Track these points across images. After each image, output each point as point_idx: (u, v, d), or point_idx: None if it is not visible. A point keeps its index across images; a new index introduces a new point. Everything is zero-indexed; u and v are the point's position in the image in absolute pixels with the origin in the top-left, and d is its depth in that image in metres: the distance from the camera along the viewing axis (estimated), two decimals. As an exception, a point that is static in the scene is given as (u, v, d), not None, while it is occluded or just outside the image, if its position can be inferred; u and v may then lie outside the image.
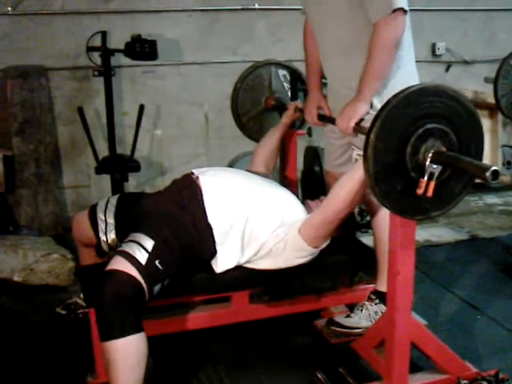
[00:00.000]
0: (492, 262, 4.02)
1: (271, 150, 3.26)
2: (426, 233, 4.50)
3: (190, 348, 2.96)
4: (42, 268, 3.56)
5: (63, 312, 3.16)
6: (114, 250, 2.55)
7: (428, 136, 2.01)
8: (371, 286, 3.00)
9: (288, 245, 2.62)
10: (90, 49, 4.23)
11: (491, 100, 5.07)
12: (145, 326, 2.27)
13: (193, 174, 2.79)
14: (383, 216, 2.76)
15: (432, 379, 2.53)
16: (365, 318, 2.90)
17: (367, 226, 3.89)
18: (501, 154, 5.78)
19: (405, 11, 2.52)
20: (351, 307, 3.06)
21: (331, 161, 3.08)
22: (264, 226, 2.64)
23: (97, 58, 4.21)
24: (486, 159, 5.67)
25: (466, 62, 5.71)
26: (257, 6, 4.93)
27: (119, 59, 4.42)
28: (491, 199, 5.44)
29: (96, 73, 4.16)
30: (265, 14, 4.95)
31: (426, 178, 2.00)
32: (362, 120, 2.66)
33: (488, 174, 1.83)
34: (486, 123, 5.68)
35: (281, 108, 3.44)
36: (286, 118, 3.31)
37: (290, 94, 3.56)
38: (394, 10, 2.49)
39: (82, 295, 3.12)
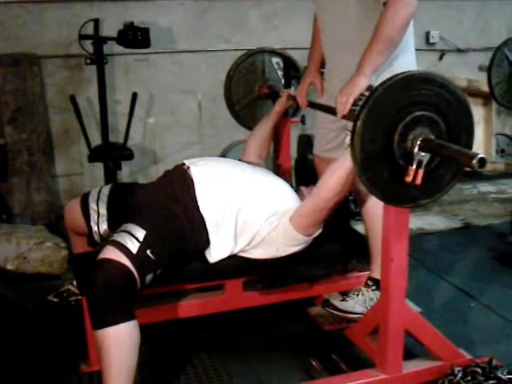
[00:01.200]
0: (486, 249, 4.03)
1: (264, 139, 3.25)
2: (420, 221, 4.51)
3: (183, 336, 2.96)
4: (35, 256, 3.55)
5: (55, 300, 3.15)
6: (106, 240, 2.54)
7: (416, 124, 2.01)
8: (364, 274, 3.00)
9: (280, 234, 2.62)
10: (82, 37, 4.21)
11: (485, 88, 5.09)
12: (138, 314, 2.27)
13: (184, 164, 2.78)
14: (373, 203, 2.76)
15: (426, 366, 2.53)
16: (360, 303, 2.90)
17: (360, 214, 3.89)
18: (495, 142, 5.79)
19: None
20: (345, 294, 3.06)
21: (322, 145, 3.06)
22: (256, 215, 2.63)
23: (89, 46, 4.18)
24: (480, 147, 5.69)
25: (459, 51, 5.70)
26: (250, -6, 4.92)
27: (112, 47, 4.39)
28: (485, 187, 5.45)
29: (88, 61, 4.15)
30: (258, 2, 4.93)
31: (414, 165, 2.00)
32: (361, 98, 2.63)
33: (475, 161, 1.82)
34: (479, 111, 5.69)
35: (274, 96, 3.43)
36: (279, 105, 3.30)
37: (283, 81, 3.55)
38: None
39: (74, 282, 3.12)
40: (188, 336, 2.97)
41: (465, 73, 5.58)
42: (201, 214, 2.58)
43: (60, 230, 3.91)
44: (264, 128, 3.27)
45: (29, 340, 2.95)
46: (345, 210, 3.14)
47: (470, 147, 2.12)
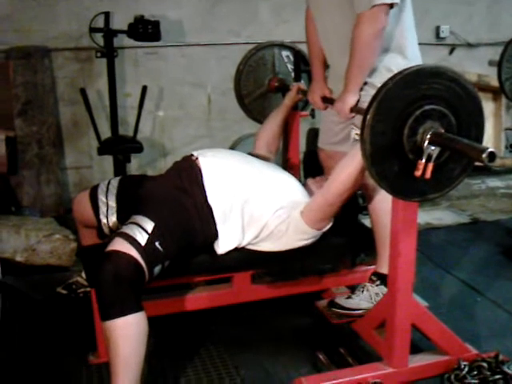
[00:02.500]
0: (493, 244, 4.04)
1: (274, 132, 3.26)
2: (428, 216, 4.51)
3: (191, 328, 2.98)
4: (44, 248, 3.58)
5: (64, 292, 3.17)
6: (115, 232, 2.56)
7: (426, 117, 2.00)
8: (372, 268, 3.00)
9: (290, 228, 2.63)
10: (92, 30, 4.20)
11: (495, 83, 5.05)
12: (146, 306, 2.28)
13: (192, 155, 2.80)
14: (380, 199, 2.77)
15: (432, 360, 2.53)
16: (366, 299, 2.91)
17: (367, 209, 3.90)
18: (504, 138, 5.77)
19: (389, 5, 2.53)
20: (352, 288, 3.08)
21: (328, 138, 3.08)
22: (264, 208, 2.65)
23: (99, 39, 4.18)
24: (490, 142, 5.67)
25: (469, 45, 5.67)
26: (260, -13, 4.92)
27: (122, 40, 4.40)
28: (494, 182, 5.44)
29: (99, 54, 4.15)
30: (268, -5, 4.94)
31: (423, 159, 2.00)
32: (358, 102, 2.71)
33: (485, 155, 1.82)
34: (489, 106, 5.67)
35: (284, 89, 3.44)
36: (289, 99, 3.31)
37: (293, 75, 3.55)
38: (374, 6, 2.50)
39: (83, 274, 3.14)
40: (196, 328, 2.99)
41: (475, 67, 5.56)
42: (209, 204, 2.60)
43: (69, 222, 3.93)
44: (274, 122, 3.28)
45: (38, 331, 2.97)
46: (353, 205, 3.13)
47: (480, 142, 2.12)
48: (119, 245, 2.31)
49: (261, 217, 2.64)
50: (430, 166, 2.00)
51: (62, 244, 3.61)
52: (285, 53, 3.61)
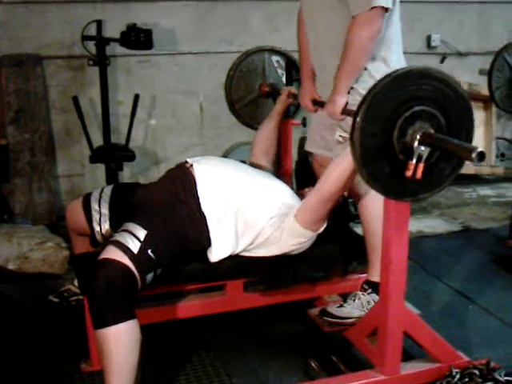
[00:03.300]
0: (485, 252, 4.05)
1: (270, 139, 3.27)
2: (420, 224, 4.52)
3: (184, 336, 2.98)
4: (36, 256, 3.57)
5: (56, 300, 3.16)
6: (108, 240, 2.56)
7: (415, 118, 2.02)
8: (364, 276, 3.01)
9: (285, 233, 2.63)
10: (85, 38, 4.21)
11: (485, 92, 5.10)
12: (139, 314, 2.29)
13: (186, 162, 2.80)
14: (371, 207, 2.78)
15: (424, 368, 2.55)
16: (357, 307, 2.91)
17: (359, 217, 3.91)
18: (495, 146, 5.80)
19: (385, 8, 2.54)
20: (344, 296, 3.08)
21: (316, 142, 3.09)
22: (258, 215, 2.65)
23: (92, 47, 4.19)
24: (480, 151, 5.68)
25: (460, 54, 5.71)
26: (252, -4, 4.94)
27: (114, 48, 4.40)
28: (484, 191, 5.46)
29: (91, 62, 4.16)
30: (261, 4, 4.94)
31: (414, 160, 2.01)
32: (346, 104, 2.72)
33: (474, 155, 1.84)
34: (480, 115, 5.70)
35: (275, 94, 3.44)
36: (280, 104, 3.32)
37: (284, 79, 3.56)
38: (372, 8, 2.51)
39: (75, 282, 3.13)
40: (188, 336, 2.98)
41: (466, 76, 5.59)
42: (202, 212, 2.60)
43: (61, 230, 3.94)
44: (268, 129, 3.29)
45: (30, 340, 2.96)
46: (345, 213, 3.15)
47: (470, 142, 2.13)
48: (112, 253, 2.32)
49: (255, 224, 2.65)
50: (421, 166, 2.02)
51: (54, 252, 3.60)
52: (275, 58, 3.62)
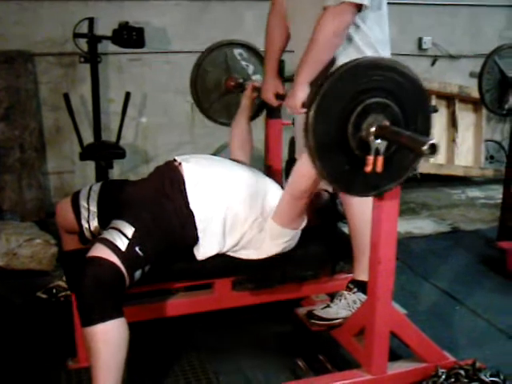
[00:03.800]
0: (473, 254, 4.08)
1: (244, 135, 3.23)
2: (408, 224, 4.54)
3: (171, 334, 2.98)
4: (24, 253, 3.57)
5: (44, 296, 3.16)
6: (96, 237, 2.56)
7: (369, 112, 1.97)
8: (351, 276, 3.02)
9: (268, 235, 2.64)
10: (76, 35, 4.20)
11: (476, 94, 5.10)
12: (127, 312, 2.29)
13: (175, 160, 2.81)
14: (358, 206, 2.77)
15: (410, 367, 2.56)
16: (344, 307, 2.91)
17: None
18: (484, 149, 5.84)
19: (357, 6, 2.49)
20: (332, 296, 3.09)
21: (300, 144, 3.08)
22: (245, 215, 2.65)
23: (83, 44, 4.19)
24: (470, 153, 5.73)
25: (451, 57, 5.74)
26: (245, -5, 4.95)
27: (106, 46, 4.40)
28: (473, 192, 5.50)
29: (82, 59, 4.15)
30: (254, 4, 4.94)
31: (372, 154, 1.97)
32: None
33: (425, 147, 1.81)
34: (470, 117, 5.74)
35: (242, 86, 3.39)
36: (245, 98, 3.26)
37: (249, 71, 3.54)
38: (342, 3, 2.46)
39: (64, 278, 3.13)
40: (176, 334, 2.99)
41: (456, 79, 5.63)
42: (190, 210, 2.60)
43: (50, 227, 3.93)
44: (240, 125, 3.25)
45: (17, 336, 2.96)
46: (333, 212, 3.15)
47: (428, 127, 2.09)
48: (99, 251, 2.32)
49: (243, 224, 2.65)
50: (380, 159, 1.98)
51: (42, 248, 3.59)
52: (237, 51, 3.57)
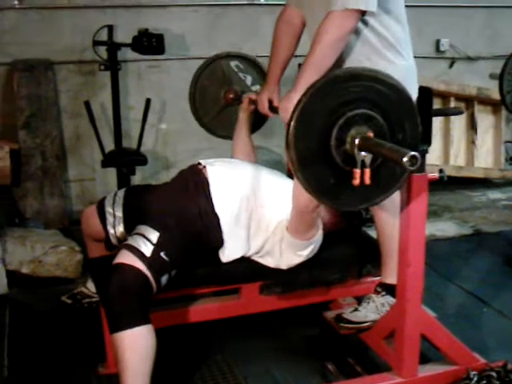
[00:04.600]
0: (496, 255, 4.05)
1: (246, 149, 3.20)
2: (431, 227, 4.51)
3: (199, 339, 2.99)
4: (50, 260, 3.59)
5: (68, 301, 3.18)
6: (122, 243, 2.57)
7: (351, 124, 1.90)
8: (378, 279, 3.01)
9: (284, 244, 2.62)
10: (96, 43, 4.22)
11: (495, 96, 5.11)
12: (154, 317, 2.30)
13: (199, 164, 2.81)
14: (386, 209, 2.77)
15: (441, 370, 2.55)
16: (372, 310, 2.90)
17: (371, 220, 3.91)
18: (504, 150, 5.81)
19: (362, 12, 2.44)
20: (359, 299, 3.08)
21: None
22: (269, 220, 2.66)
23: (103, 52, 4.20)
24: (490, 155, 5.70)
25: (469, 59, 5.72)
26: (262, 1, 4.97)
27: (125, 54, 4.42)
28: (494, 194, 5.45)
29: (102, 67, 4.16)
30: (270, 10, 4.94)
31: (358, 167, 1.91)
32: None
33: (405, 159, 1.74)
34: (489, 119, 5.71)
35: (239, 100, 3.32)
36: (242, 112, 3.21)
37: (248, 82, 3.49)
38: (347, 9, 2.41)
39: (87, 285, 3.15)
40: (204, 339, 2.99)
41: (475, 81, 5.60)
42: (216, 213, 2.61)
43: (73, 234, 3.95)
44: (241, 139, 3.22)
45: (46, 344, 2.98)
46: (357, 216, 3.14)
47: (417, 134, 2.03)
48: (125, 257, 2.33)
49: (267, 226, 2.65)
50: (367, 171, 1.91)
51: (67, 256, 3.61)
52: (233, 63, 3.53)
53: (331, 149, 1.91)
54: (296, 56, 3.02)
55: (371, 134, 1.90)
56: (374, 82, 1.93)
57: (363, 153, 1.89)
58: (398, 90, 1.97)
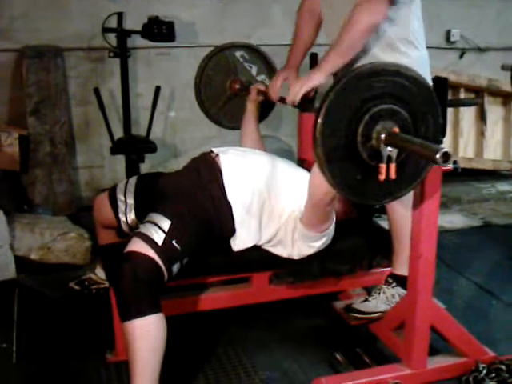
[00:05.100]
0: (506, 248, 4.03)
1: (254, 140, 3.20)
2: (440, 219, 4.46)
3: (208, 329, 2.99)
4: (59, 247, 3.59)
5: (77, 287, 3.18)
6: (133, 231, 2.57)
7: (376, 120, 1.92)
8: (388, 270, 3.00)
9: (296, 234, 2.61)
10: (106, 30, 4.20)
11: (505, 88, 5.09)
12: (164, 306, 2.30)
13: (212, 152, 2.81)
14: (399, 200, 2.76)
15: (451, 362, 2.56)
16: (383, 301, 2.91)
17: (381, 211, 3.89)
18: (514, 142, 5.79)
19: (391, 2, 2.47)
20: (369, 290, 3.08)
21: None
22: (281, 207, 2.65)
23: (112, 39, 4.19)
24: (499, 147, 5.68)
25: (480, 50, 5.69)
26: (273, -11, 4.93)
27: (134, 41, 4.39)
28: (503, 186, 5.43)
29: (112, 54, 4.15)
30: (281, -1, 4.94)
31: (384, 162, 1.93)
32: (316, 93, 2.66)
33: (438, 156, 1.75)
34: (499, 111, 5.68)
35: (246, 91, 3.31)
36: (250, 102, 3.20)
37: (253, 72, 3.47)
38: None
39: (96, 271, 3.16)
40: (213, 328, 2.99)
41: (485, 72, 5.57)
42: (228, 201, 2.61)
43: (81, 221, 3.95)
44: (249, 130, 3.21)
45: (54, 330, 2.98)
46: (367, 207, 3.14)
47: (439, 128, 2.05)
48: (136, 245, 2.33)
49: (279, 216, 2.64)
50: (393, 166, 1.93)
51: (76, 242, 3.62)
52: (238, 53, 3.50)
53: (358, 145, 1.93)
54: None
55: (397, 129, 1.92)
56: (396, 76, 1.94)
57: (389, 148, 1.91)
58: (419, 83, 1.98)
